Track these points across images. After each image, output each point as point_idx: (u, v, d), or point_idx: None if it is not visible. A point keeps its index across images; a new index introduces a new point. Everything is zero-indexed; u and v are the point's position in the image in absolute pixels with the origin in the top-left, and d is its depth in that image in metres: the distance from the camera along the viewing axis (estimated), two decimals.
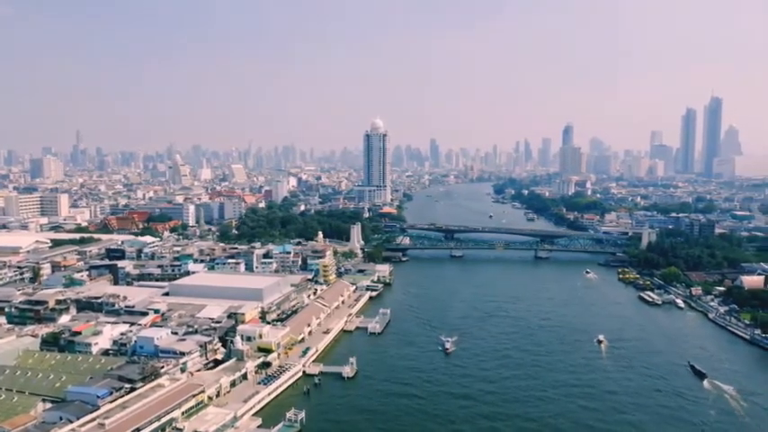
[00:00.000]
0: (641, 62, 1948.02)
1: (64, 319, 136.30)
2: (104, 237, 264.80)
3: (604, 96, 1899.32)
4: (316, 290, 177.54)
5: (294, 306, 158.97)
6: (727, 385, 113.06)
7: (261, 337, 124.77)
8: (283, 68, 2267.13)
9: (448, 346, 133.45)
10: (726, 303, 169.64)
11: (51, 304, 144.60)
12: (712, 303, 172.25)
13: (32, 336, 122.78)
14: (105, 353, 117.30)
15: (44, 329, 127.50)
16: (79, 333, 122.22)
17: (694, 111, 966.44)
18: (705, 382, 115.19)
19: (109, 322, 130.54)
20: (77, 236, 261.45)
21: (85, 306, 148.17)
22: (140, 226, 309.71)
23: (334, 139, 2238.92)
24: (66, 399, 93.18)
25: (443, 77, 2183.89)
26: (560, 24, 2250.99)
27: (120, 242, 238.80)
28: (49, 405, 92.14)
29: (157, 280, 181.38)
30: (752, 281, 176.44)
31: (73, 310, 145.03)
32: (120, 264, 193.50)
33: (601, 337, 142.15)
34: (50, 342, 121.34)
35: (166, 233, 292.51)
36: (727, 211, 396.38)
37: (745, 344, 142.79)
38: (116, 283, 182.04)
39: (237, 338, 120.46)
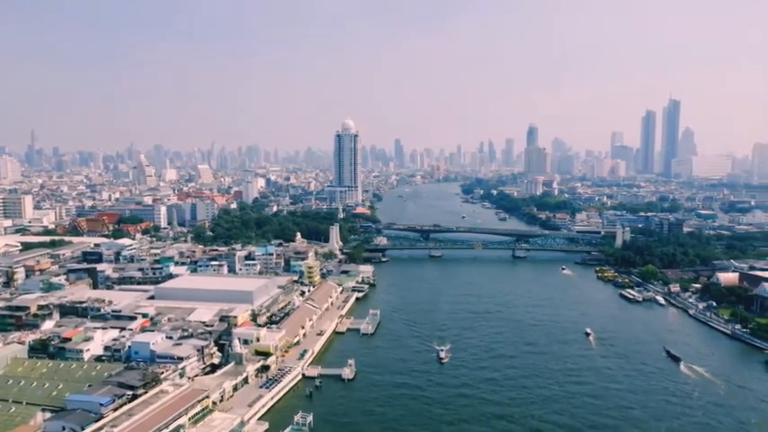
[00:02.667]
0: (601, 64, 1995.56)
1: (48, 325, 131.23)
2: (75, 239, 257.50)
3: (565, 97, 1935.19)
4: (303, 291, 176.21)
5: (284, 308, 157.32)
6: (699, 367, 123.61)
7: (258, 340, 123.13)
8: (244, 68, 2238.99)
9: (442, 355, 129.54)
10: (703, 300, 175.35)
11: (33, 310, 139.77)
12: (691, 300, 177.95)
13: (19, 343, 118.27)
14: (98, 359, 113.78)
15: (30, 336, 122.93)
16: (69, 339, 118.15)
17: (654, 112, 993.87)
18: (681, 366, 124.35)
19: (97, 327, 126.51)
20: (47, 239, 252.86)
21: (69, 311, 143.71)
22: (111, 228, 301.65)
23: (298, 140, 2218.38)
24: (66, 407, 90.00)
25: (406, 78, 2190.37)
26: (519, 27, 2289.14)
27: (93, 245, 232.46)
28: (48, 414, 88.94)
29: (139, 283, 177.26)
30: (727, 278, 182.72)
31: (56, 316, 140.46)
32: (98, 267, 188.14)
33: (588, 330, 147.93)
34: (39, 349, 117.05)
35: (139, 235, 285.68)
36: (690, 210, 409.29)
37: (726, 338, 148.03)
38: (95, 286, 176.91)
39: (235, 342, 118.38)
